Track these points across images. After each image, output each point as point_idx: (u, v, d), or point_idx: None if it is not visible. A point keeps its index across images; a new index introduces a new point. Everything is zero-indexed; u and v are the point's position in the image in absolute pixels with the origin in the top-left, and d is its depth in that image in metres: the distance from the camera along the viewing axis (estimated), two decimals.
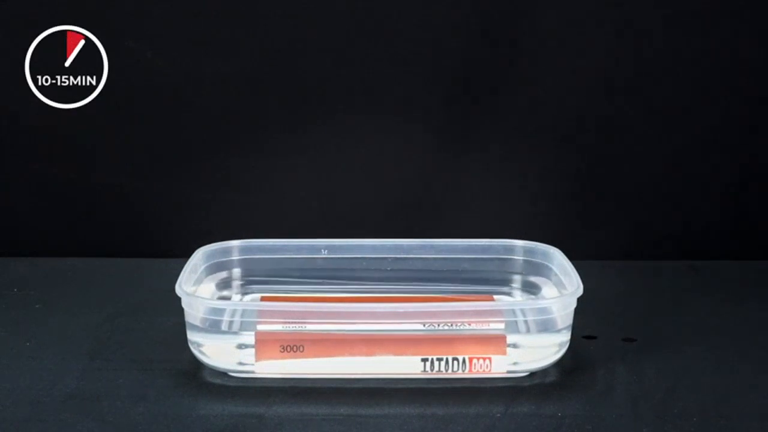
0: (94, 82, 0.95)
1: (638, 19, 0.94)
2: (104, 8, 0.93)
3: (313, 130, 0.96)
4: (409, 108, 0.96)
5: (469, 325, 0.74)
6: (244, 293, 0.86)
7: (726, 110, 0.96)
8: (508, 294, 0.86)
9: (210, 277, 0.84)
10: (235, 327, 0.74)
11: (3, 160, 0.97)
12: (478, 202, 0.98)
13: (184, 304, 0.74)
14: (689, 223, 0.99)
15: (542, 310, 0.75)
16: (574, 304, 0.74)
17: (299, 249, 0.86)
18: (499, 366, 0.73)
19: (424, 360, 0.73)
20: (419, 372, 0.73)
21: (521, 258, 0.86)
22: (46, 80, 0.95)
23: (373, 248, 0.86)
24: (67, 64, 0.94)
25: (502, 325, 0.74)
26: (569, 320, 0.75)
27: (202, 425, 0.68)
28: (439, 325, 0.75)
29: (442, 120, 0.97)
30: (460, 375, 0.73)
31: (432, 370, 0.73)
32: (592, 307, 0.81)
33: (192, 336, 0.74)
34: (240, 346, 0.74)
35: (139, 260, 0.98)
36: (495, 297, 0.86)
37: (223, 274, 0.85)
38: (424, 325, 0.75)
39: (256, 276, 0.86)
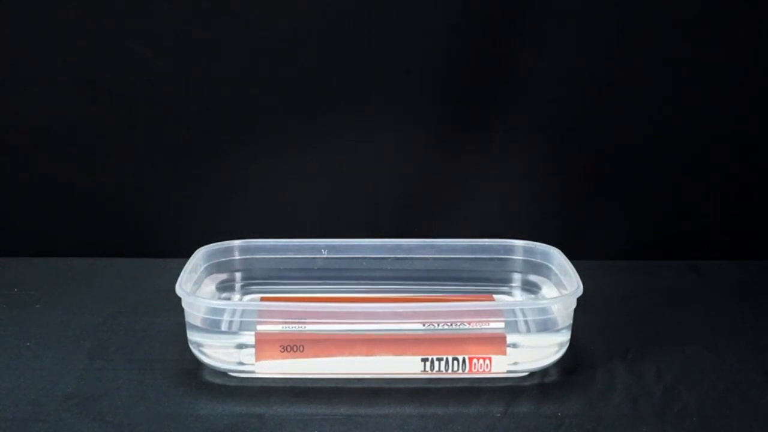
0: (94, 82, 0.95)
1: (640, 19, 0.94)
2: (104, 8, 0.93)
3: (313, 130, 0.96)
4: (409, 108, 0.96)
5: (469, 325, 0.74)
6: (245, 293, 0.86)
7: (726, 110, 0.96)
8: (508, 294, 0.86)
9: (210, 277, 0.84)
10: (235, 327, 0.74)
11: (3, 160, 0.97)
12: (478, 202, 0.98)
13: (184, 304, 0.74)
14: (689, 223, 0.99)
15: (542, 310, 0.76)
16: (574, 304, 0.74)
17: (299, 249, 0.86)
18: (499, 366, 0.73)
19: (424, 360, 0.73)
20: (419, 372, 0.73)
21: (521, 258, 0.86)
22: (46, 80, 0.94)
23: (373, 248, 0.86)
24: (67, 63, 0.94)
25: (502, 325, 0.74)
26: (569, 320, 0.75)
27: (202, 425, 0.68)
28: (439, 325, 0.75)
29: (442, 120, 0.97)
30: (460, 375, 0.73)
31: (432, 370, 0.73)
32: (591, 307, 0.81)
33: (192, 336, 0.74)
34: (240, 346, 0.74)
35: (139, 260, 0.97)
36: (495, 297, 0.86)
37: (224, 275, 0.85)
38: (424, 325, 0.75)
39: (256, 276, 0.86)
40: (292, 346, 0.73)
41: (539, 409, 0.70)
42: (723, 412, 0.69)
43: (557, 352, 0.75)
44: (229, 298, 0.85)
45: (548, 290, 0.84)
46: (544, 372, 0.75)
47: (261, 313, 0.74)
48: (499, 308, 0.78)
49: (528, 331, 0.75)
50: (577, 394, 0.72)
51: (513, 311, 0.76)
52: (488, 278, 0.86)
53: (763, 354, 0.79)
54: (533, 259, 0.85)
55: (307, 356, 0.73)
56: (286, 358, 0.73)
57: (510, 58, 0.94)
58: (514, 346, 0.74)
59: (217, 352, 0.74)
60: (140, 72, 0.95)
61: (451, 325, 0.75)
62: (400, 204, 0.99)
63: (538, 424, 0.68)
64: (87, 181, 0.97)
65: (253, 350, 0.73)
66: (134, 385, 0.73)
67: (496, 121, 0.96)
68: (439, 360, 0.73)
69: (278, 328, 0.74)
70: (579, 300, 0.74)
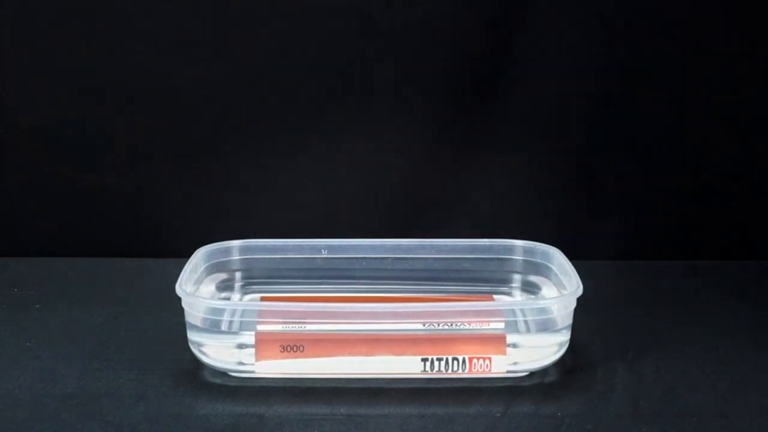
0: (94, 82, 0.95)
1: (640, 19, 0.94)
2: (104, 8, 0.93)
3: (312, 130, 0.96)
4: (409, 108, 0.96)
5: (469, 325, 0.74)
6: (245, 293, 0.86)
7: (726, 110, 0.96)
8: (508, 294, 0.86)
9: (210, 277, 0.84)
10: (235, 327, 0.74)
11: (3, 160, 0.97)
12: (478, 202, 0.98)
13: (184, 304, 0.74)
14: (689, 223, 0.99)
15: (542, 310, 0.76)
16: (573, 304, 0.74)
17: (299, 249, 0.86)
18: (498, 366, 0.73)
19: (424, 360, 0.73)
20: (419, 372, 0.73)
21: (521, 258, 0.86)
22: (46, 80, 0.94)
23: (373, 248, 0.86)
24: (67, 63, 0.94)
25: (502, 325, 0.74)
26: (569, 320, 0.75)
27: (202, 425, 0.68)
28: (439, 325, 0.75)
29: (442, 120, 0.97)
30: (460, 375, 0.73)
31: (432, 370, 0.73)
32: (591, 307, 0.81)
33: (192, 336, 0.74)
34: (240, 346, 0.74)
35: (139, 260, 0.97)
36: (495, 297, 0.86)
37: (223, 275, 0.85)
38: (424, 325, 0.75)
39: (256, 276, 0.86)
40: (292, 346, 0.73)
41: (539, 409, 0.70)
42: (723, 412, 0.69)
43: (557, 352, 0.75)
44: (229, 298, 0.85)
45: (548, 290, 0.84)
46: (544, 372, 0.75)
47: (261, 313, 0.74)
48: (499, 308, 0.78)
49: (528, 331, 0.75)
50: (577, 394, 0.72)
51: (513, 311, 0.76)
52: (488, 278, 0.86)
53: (763, 354, 0.79)
54: (533, 259, 0.85)
55: (307, 356, 0.73)
56: (286, 358, 0.73)
57: (510, 58, 0.94)
58: (514, 346, 0.74)
59: (217, 352, 0.74)
60: (140, 72, 0.95)
61: (451, 325, 0.75)
62: (400, 204, 0.99)
63: (538, 424, 0.68)
64: (87, 181, 0.97)
65: (253, 350, 0.73)
66: (134, 385, 0.73)
67: (496, 121, 0.96)
68: (439, 360, 0.73)
69: (278, 328, 0.74)
70: (579, 300, 0.74)
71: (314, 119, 0.96)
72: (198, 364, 0.75)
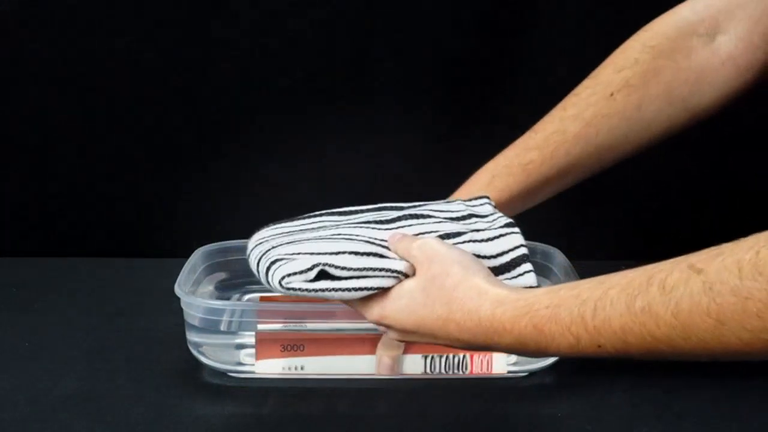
0: (94, 83, 0.95)
1: (639, 20, 0.93)
2: (104, 8, 0.93)
3: (312, 131, 0.96)
4: (409, 107, 0.96)
5: None
6: (244, 293, 0.86)
7: (725, 110, 0.96)
8: None
9: (209, 277, 0.84)
10: (234, 327, 0.74)
11: (3, 160, 0.97)
12: None
13: (183, 305, 0.74)
14: (689, 223, 0.99)
15: None
16: None
17: None
18: (499, 366, 0.73)
19: (425, 359, 0.73)
20: (420, 371, 0.73)
21: None
22: (46, 80, 0.94)
23: None
24: (67, 64, 0.94)
25: None
26: None
27: (201, 425, 0.68)
28: None
29: (442, 120, 0.96)
30: (460, 375, 0.73)
31: (432, 369, 0.73)
32: None
33: (191, 336, 0.74)
34: (239, 346, 0.74)
35: (139, 260, 0.97)
36: None
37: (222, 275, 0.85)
38: None
39: (255, 276, 0.86)
40: (293, 345, 0.72)
41: (539, 409, 0.70)
42: (722, 413, 0.69)
43: None
44: (228, 298, 0.85)
45: None
46: (544, 372, 0.75)
47: (260, 313, 0.74)
48: None
49: None
50: (577, 395, 0.72)
51: None
52: None
53: None
54: (533, 259, 0.84)
55: (307, 356, 0.73)
56: (287, 357, 0.73)
57: (510, 58, 0.94)
58: None
59: (216, 352, 0.74)
60: (140, 72, 0.94)
61: None
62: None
63: (538, 424, 0.68)
64: (87, 182, 0.97)
65: (252, 350, 0.73)
66: (134, 385, 0.73)
67: (497, 121, 0.96)
68: (440, 359, 0.73)
69: (278, 327, 0.74)
70: None
71: (314, 120, 0.96)
72: (197, 365, 0.75)
